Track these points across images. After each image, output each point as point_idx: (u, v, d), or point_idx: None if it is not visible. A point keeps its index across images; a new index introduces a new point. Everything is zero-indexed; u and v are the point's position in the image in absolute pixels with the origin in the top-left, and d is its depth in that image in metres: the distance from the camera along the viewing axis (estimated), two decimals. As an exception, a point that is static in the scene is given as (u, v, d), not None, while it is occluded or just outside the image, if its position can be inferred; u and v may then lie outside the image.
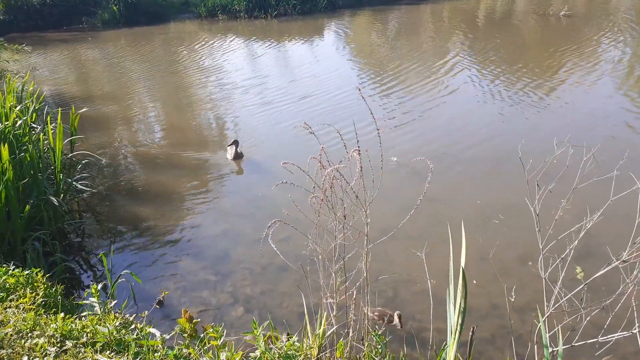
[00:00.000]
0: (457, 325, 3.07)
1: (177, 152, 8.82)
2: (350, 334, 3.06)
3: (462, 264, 3.04)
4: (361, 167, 2.82)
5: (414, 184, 6.84)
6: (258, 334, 2.87)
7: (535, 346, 3.25)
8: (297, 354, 2.84)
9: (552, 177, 3.46)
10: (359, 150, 2.76)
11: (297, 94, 11.25)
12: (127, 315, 3.69)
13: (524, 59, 12.66)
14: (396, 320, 4.44)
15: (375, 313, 4.46)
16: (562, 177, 3.48)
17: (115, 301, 4.13)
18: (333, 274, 3.06)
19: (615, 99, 9.51)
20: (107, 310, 3.56)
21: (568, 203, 3.14)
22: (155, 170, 8.22)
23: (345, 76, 12.42)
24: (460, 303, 3.02)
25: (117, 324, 3.18)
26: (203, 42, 18.52)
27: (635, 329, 2.96)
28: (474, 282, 4.94)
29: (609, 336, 3.04)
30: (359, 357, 3.12)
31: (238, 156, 8.24)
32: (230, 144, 8.32)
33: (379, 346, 2.97)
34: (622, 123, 8.42)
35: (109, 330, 3.06)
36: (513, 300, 4.61)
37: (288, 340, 2.91)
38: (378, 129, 2.91)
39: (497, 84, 10.94)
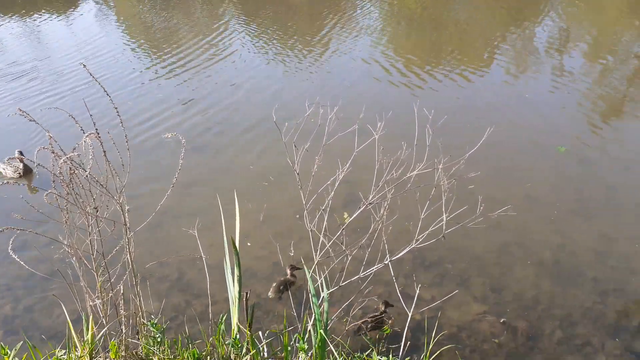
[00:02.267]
0: (236, 293, 3.13)
1: None
2: (124, 331, 2.86)
3: (237, 235, 3.07)
4: (104, 152, 2.58)
5: (188, 159, 6.64)
6: (10, 358, 2.48)
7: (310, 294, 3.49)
8: (64, 368, 2.54)
9: (308, 137, 3.68)
10: (98, 134, 2.50)
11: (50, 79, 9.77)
12: None
13: (291, 29, 13.06)
14: (288, 273, 4.73)
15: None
16: (316, 136, 3.72)
17: None
18: (94, 273, 2.78)
19: (361, 60, 10.54)
20: None
21: (320, 159, 3.38)
22: None
23: (114, 56, 11.11)
24: (235, 272, 3.06)
25: None
26: None
27: (386, 259, 3.39)
28: (248, 244, 5.11)
29: (367, 270, 3.44)
30: (137, 352, 2.94)
31: (28, 171, 6.41)
32: (12, 158, 6.33)
33: (157, 335, 2.83)
34: (365, 80, 9.42)
35: None
36: (292, 254, 4.90)
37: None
38: (116, 108, 2.67)
39: (262, 52, 11.17)
